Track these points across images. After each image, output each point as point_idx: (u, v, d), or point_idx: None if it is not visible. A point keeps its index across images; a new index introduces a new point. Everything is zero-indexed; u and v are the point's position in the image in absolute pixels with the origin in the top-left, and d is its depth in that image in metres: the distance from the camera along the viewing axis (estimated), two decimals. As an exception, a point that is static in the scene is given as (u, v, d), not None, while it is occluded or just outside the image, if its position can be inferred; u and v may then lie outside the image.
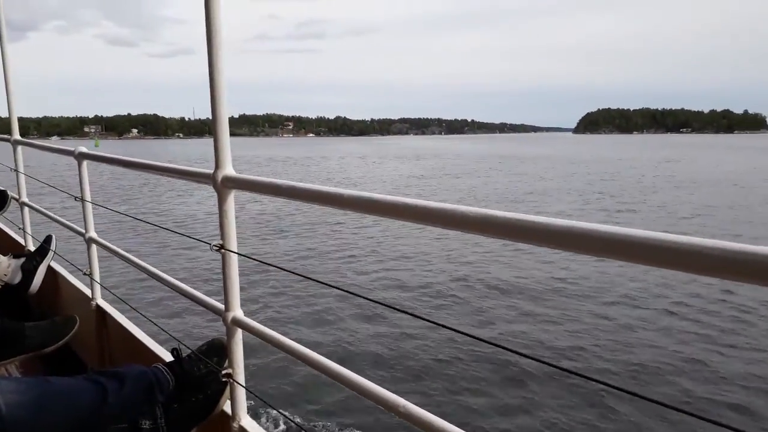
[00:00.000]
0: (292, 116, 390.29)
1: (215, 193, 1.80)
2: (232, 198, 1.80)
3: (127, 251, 2.39)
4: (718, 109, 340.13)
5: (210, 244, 1.79)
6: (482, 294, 11.25)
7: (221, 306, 1.84)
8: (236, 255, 1.82)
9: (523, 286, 11.75)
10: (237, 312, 1.80)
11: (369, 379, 1.40)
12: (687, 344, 8.95)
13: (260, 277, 11.73)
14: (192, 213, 22.39)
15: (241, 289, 1.82)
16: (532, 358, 1.16)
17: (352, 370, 1.44)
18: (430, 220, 1.18)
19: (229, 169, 1.77)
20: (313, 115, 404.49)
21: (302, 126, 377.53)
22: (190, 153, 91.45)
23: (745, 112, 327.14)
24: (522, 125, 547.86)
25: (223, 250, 1.79)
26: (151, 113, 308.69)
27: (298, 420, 6.50)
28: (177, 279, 2.14)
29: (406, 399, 1.28)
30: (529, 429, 6.60)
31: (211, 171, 1.80)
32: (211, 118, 1.74)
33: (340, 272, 12.99)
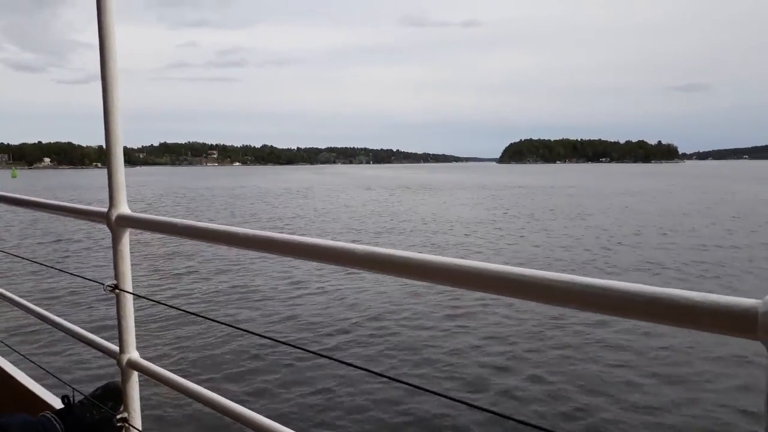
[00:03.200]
0: (217, 144, 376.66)
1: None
2: (127, 237, 1.78)
3: (12, 293, 2.35)
4: (633, 140, 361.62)
5: (103, 284, 1.76)
6: (380, 329, 11.40)
7: (116, 348, 1.81)
8: (131, 295, 1.79)
9: (417, 322, 11.84)
10: (132, 354, 1.78)
11: (270, 418, 1.42)
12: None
13: (158, 317, 11.50)
14: (90, 251, 21.11)
15: (138, 330, 1.80)
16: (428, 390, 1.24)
17: (253, 410, 1.46)
18: (317, 257, 1.26)
19: (123, 208, 1.75)
20: (238, 144, 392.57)
21: (227, 155, 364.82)
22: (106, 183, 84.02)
23: (659, 142, 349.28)
24: (444, 155, 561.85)
25: (117, 291, 1.77)
26: (65, 141, 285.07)
27: None
28: (69, 321, 2.10)
29: None
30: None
31: (105, 209, 1.78)
32: (106, 150, 1.72)
33: (241, 312, 12.90)
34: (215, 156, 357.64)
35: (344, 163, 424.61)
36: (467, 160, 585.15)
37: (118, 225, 1.73)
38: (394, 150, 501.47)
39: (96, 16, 1.68)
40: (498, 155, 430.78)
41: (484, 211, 36.08)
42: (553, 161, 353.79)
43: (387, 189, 63.09)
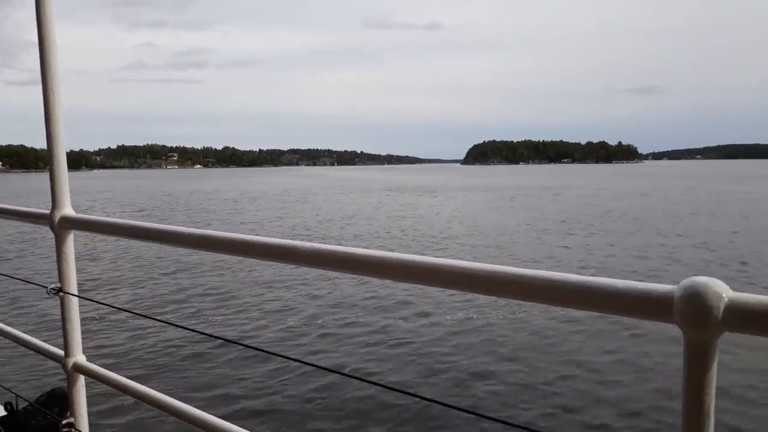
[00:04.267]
0: (177, 147, 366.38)
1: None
2: (71, 239, 1.76)
3: None
4: (594, 141, 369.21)
5: (47, 287, 1.74)
6: (338, 326, 11.38)
7: (61, 352, 1.79)
8: (76, 298, 1.77)
9: (378, 318, 11.94)
10: (78, 357, 1.75)
11: (220, 417, 1.43)
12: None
13: (105, 320, 11.19)
14: (34, 254, 20.56)
15: (83, 333, 1.78)
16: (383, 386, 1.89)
17: (204, 411, 1.46)
18: (263, 255, 1.28)
19: (67, 209, 1.74)
20: (199, 146, 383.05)
21: (188, 157, 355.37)
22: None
23: (620, 143, 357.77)
24: (407, 156, 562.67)
25: (61, 293, 1.75)
26: (18, 144, 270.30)
27: None
28: (11, 326, 2.07)
29: None
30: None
31: (48, 211, 1.76)
32: (48, 152, 1.70)
33: (188, 312, 12.68)
34: (175, 158, 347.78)
35: (307, 164, 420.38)
36: (430, 161, 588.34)
37: (62, 227, 1.71)
38: (358, 152, 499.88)
39: (35, 15, 1.64)
40: (460, 156, 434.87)
41: (509, 214, 34.62)
42: (517, 162, 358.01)
43: (385, 191, 61.54)
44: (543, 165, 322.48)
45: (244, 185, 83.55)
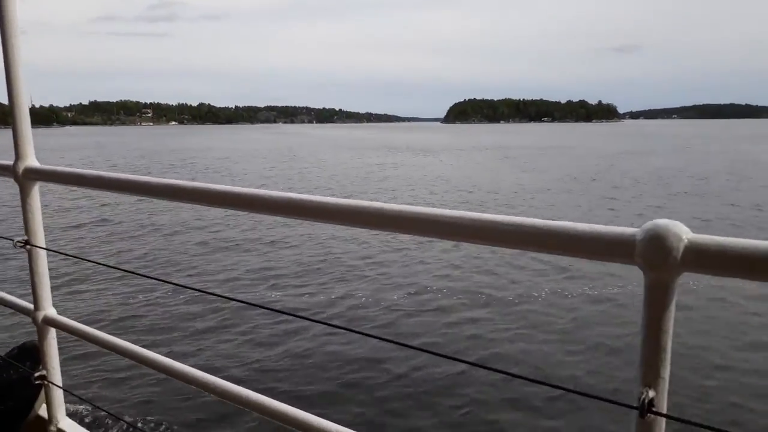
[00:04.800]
0: (151, 103, 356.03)
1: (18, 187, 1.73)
2: (36, 190, 1.74)
3: None
4: (575, 100, 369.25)
5: (13, 240, 1.72)
6: (303, 274, 11.55)
7: (30, 306, 1.80)
8: (44, 251, 1.76)
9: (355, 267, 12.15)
10: (49, 311, 1.77)
11: (194, 367, 1.44)
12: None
13: (74, 272, 10.99)
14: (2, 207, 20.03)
15: (53, 286, 1.81)
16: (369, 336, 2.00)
17: (175, 359, 1.47)
18: (228, 204, 1.31)
19: (31, 160, 1.71)
20: (173, 102, 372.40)
21: (162, 114, 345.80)
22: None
23: (599, 102, 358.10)
24: (386, 115, 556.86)
25: (28, 246, 1.74)
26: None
27: (125, 417, 6.25)
28: None
29: (225, 379, 1.38)
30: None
31: (11, 162, 1.73)
32: (8, 105, 1.68)
33: (158, 263, 12.55)
34: (150, 115, 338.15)
35: (285, 122, 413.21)
36: (409, 120, 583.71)
37: (26, 178, 1.69)
38: (337, 109, 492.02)
39: None
40: (439, 115, 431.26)
41: (532, 174, 33.87)
42: (497, 121, 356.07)
43: (391, 150, 60.39)
44: (523, 124, 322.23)
45: (238, 143, 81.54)
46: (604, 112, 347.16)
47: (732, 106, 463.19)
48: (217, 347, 8.00)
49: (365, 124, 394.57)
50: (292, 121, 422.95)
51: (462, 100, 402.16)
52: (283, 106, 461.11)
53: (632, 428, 0.87)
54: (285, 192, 1.20)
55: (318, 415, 1.28)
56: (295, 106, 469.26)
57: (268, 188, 1.27)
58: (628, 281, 10.43)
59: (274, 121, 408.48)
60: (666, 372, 0.85)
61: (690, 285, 10.07)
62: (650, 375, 0.85)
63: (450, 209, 1.03)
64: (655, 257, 0.80)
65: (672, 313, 0.84)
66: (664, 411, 0.85)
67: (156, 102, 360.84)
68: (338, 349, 7.88)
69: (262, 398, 1.33)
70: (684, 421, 0.85)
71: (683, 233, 0.80)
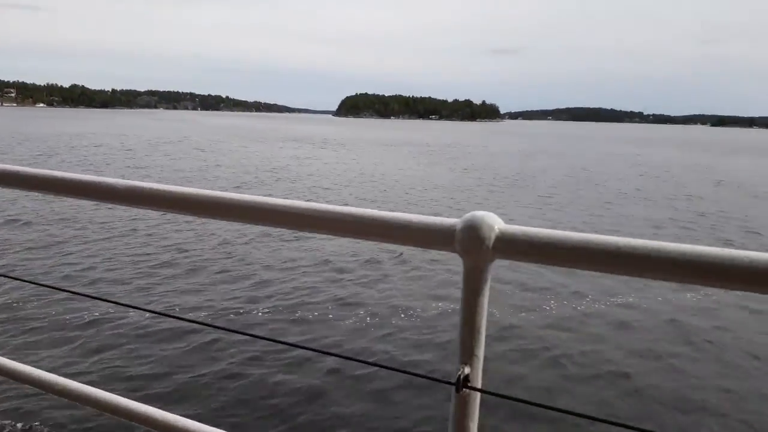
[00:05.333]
0: (14, 82, 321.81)
1: None
2: None
3: None
4: (461, 99, 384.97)
5: None
6: (218, 282, 10.74)
7: None
8: None
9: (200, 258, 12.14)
10: None
11: (105, 390, 1.37)
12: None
13: None
14: None
15: None
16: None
17: (86, 384, 1.40)
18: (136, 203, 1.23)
19: None
20: (41, 82, 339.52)
21: (28, 94, 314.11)
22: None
23: (483, 102, 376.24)
24: (276, 105, 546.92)
25: None
26: None
27: None
28: None
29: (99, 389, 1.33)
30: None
31: None
32: None
33: (62, 271, 11.11)
34: (13, 95, 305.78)
35: (167, 108, 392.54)
36: (300, 111, 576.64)
37: None
38: (224, 96, 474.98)
39: None
40: (329, 107, 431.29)
41: (442, 168, 35.54)
42: (388, 117, 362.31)
43: (291, 142, 59.27)
44: (413, 120, 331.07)
45: (119, 129, 76.42)
46: (487, 112, 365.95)
47: (600, 110, 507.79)
48: (135, 369, 7.15)
49: (255, 114, 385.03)
50: (175, 107, 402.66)
51: (354, 94, 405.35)
52: (165, 91, 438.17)
53: (451, 403, 0.96)
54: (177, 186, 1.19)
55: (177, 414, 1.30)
56: (178, 92, 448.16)
57: (194, 186, 1.26)
58: (454, 268, 10.96)
59: (155, 107, 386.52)
60: (480, 350, 0.93)
61: (507, 272, 11.04)
62: (466, 353, 0.93)
63: (296, 200, 1.09)
64: (471, 245, 0.88)
65: (486, 296, 0.92)
66: (479, 386, 0.93)
67: (21, 81, 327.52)
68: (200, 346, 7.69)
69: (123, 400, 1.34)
70: (496, 395, 0.97)
71: (495, 224, 0.89)
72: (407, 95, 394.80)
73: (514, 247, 0.88)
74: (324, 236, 12.69)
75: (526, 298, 10.12)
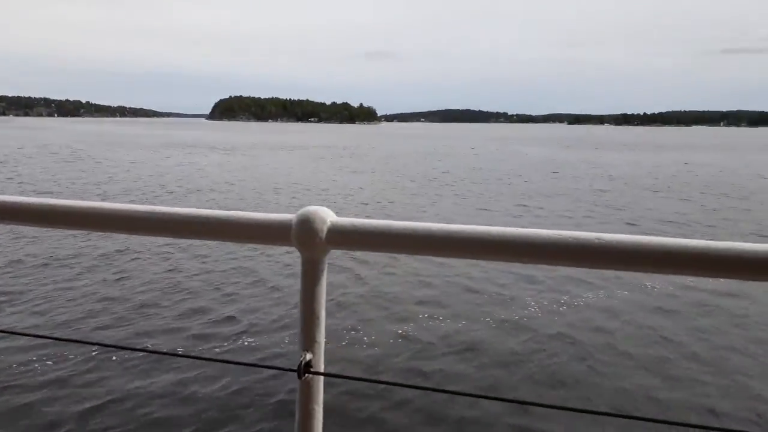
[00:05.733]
0: None
1: None
2: None
3: None
4: (338, 102, 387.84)
5: None
6: (139, 306, 9.76)
7: None
8: None
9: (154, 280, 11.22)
10: None
11: None
12: None
13: None
14: None
15: None
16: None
17: None
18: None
19: None
20: None
21: None
22: None
23: (361, 105, 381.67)
24: (142, 109, 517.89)
25: None
26: None
27: None
28: None
29: None
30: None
31: None
32: None
33: None
34: None
35: (17, 114, 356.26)
36: (170, 115, 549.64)
37: None
38: (83, 101, 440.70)
39: None
40: (202, 111, 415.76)
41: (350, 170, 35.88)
42: (266, 119, 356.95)
43: (179, 148, 55.20)
44: (291, 123, 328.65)
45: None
46: (366, 115, 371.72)
47: (469, 111, 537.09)
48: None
49: (120, 119, 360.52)
50: (27, 114, 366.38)
51: (227, 96, 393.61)
52: (15, 96, 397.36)
53: (297, 390, 0.99)
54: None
55: None
56: (30, 97, 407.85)
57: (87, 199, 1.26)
58: (294, 261, 11.17)
59: (4, 114, 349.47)
60: (321, 336, 0.98)
61: (350, 261, 11.36)
62: (308, 340, 0.97)
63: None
64: (306, 238, 0.93)
65: (324, 285, 0.97)
66: (321, 370, 0.98)
67: None
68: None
69: None
70: (337, 376, 1.07)
71: (328, 217, 0.95)
72: (284, 98, 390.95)
73: (346, 238, 0.94)
74: (164, 239, 12.71)
75: (369, 285, 10.56)
